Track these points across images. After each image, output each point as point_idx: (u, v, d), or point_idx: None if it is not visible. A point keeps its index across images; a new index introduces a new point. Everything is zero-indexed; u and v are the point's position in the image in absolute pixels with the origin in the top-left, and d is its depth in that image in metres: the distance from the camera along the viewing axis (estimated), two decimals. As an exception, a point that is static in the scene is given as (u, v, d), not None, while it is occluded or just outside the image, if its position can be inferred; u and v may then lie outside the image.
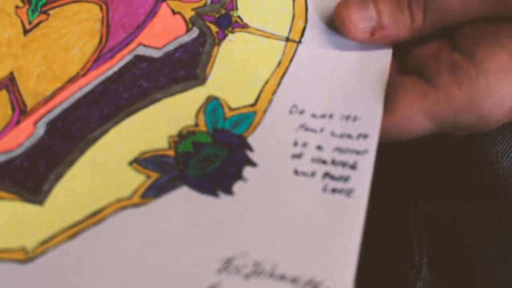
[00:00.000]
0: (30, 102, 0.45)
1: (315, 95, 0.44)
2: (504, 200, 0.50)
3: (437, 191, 0.54)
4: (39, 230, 0.42)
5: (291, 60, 0.46)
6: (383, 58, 0.45)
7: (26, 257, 0.41)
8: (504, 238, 0.50)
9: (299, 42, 0.46)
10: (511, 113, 0.43)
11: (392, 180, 0.53)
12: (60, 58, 0.46)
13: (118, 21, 0.47)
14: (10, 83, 0.46)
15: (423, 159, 0.53)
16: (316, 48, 0.46)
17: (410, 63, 0.46)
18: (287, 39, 0.46)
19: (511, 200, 0.50)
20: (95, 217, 0.41)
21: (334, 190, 0.40)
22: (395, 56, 0.46)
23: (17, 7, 0.48)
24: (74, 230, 0.41)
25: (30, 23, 0.47)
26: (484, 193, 0.51)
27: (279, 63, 0.46)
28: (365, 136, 0.42)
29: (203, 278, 0.39)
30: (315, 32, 0.46)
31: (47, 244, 0.41)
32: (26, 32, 0.47)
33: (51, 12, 0.47)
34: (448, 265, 0.53)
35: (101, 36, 0.47)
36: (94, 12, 0.47)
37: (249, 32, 0.47)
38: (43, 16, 0.47)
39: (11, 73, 0.46)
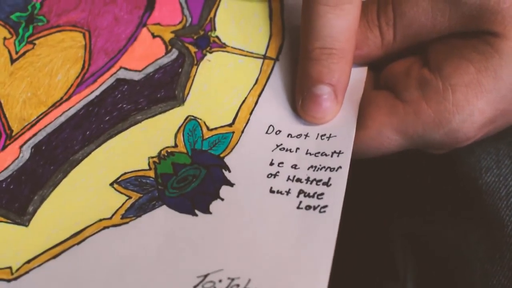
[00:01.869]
0: (16, 127, 0.47)
1: (291, 115, 0.46)
2: (487, 216, 0.50)
3: (421, 207, 0.55)
4: (24, 250, 0.43)
5: (268, 78, 0.48)
6: (358, 75, 0.47)
7: (12, 276, 0.43)
8: (488, 254, 0.51)
9: (276, 59, 0.48)
10: (482, 129, 0.44)
11: (376, 197, 0.54)
12: (44, 84, 0.48)
13: (100, 47, 0.49)
14: (-3, 109, 0.48)
15: (407, 175, 0.55)
16: (293, 65, 0.47)
17: (383, 79, 0.47)
18: (265, 57, 0.48)
19: (494, 216, 0.50)
20: (77, 237, 0.43)
21: (308, 207, 0.42)
22: (371, 72, 0.48)
23: (5, 38, 0.50)
24: (57, 250, 0.43)
25: (17, 52, 0.49)
26: (468, 209, 0.52)
27: (256, 81, 0.47)
28: (339, 153, 0.44)
29: None
30: (292, 49, 0.48)
31: (32, 263, 0.43)
32: (13, 61, 0.49)
33: (36, 41, 0.49)
34: (432, 282, 0.54)
35: (84, 61, 0.48)
36: (77, 39, 0.49)
37: (227, 51, 0.48)
38: (29, 46, 0.49)
39: (-1, 100, 0.48)
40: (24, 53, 0.49)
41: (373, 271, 0.56)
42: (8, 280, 0.43)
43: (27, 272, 0.43)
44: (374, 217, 0.54)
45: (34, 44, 0.49)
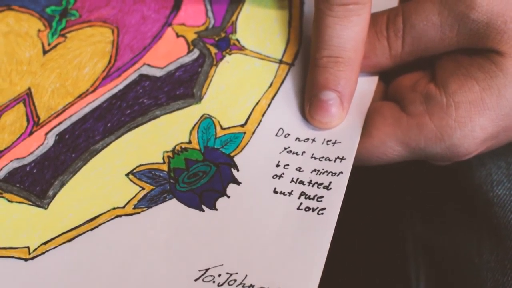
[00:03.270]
0: (43, 115, 0.51)
1: (300, 119, 0.49)
2: (499, 228, 0.52)
3: (434, 216, 0.57)
4: (42, 232, 0.47)
5: (282, 82, 0.50)
6: (368, 85, 0.49)
7: (29, 255, 0.46)
8: (498, 264, 0.52)
9: (292, 64, 0.51)
10: (483, 144, 0.46)
11: (391, 205, 0.57)
12: (73, 76, 0.51)
13: (127, 43, 0.52)
14: (27, 98, 0.51)
15: (421, 185, 0.57)
16: (307, 71, 0.50)
17: (391, 91, 0.49)
18: (281, 62, 0.51)
19: (505, 228, 0.52)
20: (92, 223, 0.47)
21: (307, 208, 0.45)
22: (382, 83, 0.50)
23: (39, 30, 0.53)
24: (73, 234, 0.47)
25: (49, 44, 0.53)
26: (480, 219, 0.54)
27: (271, 85, 0.50)
28: (342, 159, 0.46)
29: (181, 285, 0.44)
30: (307, 56, 0.50)
31: (48, 245, 0.46)
32: (45, 52, 0.53)
33: (68, 35, 0.53)
34: (443, 289, 0.56)
35: (111, 56, 0.52)
36: (106, 35, 0.52)
37: (245, 54, 0.51)
38: (61, 39, 0.53)
39: (29, 89, 0.52)
40: (55, 45, 0.53)
41: (385, 277, 0.58)
42: (25, 259, 0.46)
43: (43, 253, 0.46)
44: (389, 225, 0.56)
45: (66, 37, 0.53)
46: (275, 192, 0.46)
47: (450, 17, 0.46)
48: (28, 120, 0.51)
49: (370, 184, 0.50)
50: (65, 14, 0.53)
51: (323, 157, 0.47)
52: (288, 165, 0.47)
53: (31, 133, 0.50)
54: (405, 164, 0.48)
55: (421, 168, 0.52)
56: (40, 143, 0.50)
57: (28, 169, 0.49)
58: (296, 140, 0.48)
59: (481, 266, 0.53)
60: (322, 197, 0.45)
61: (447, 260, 0.56)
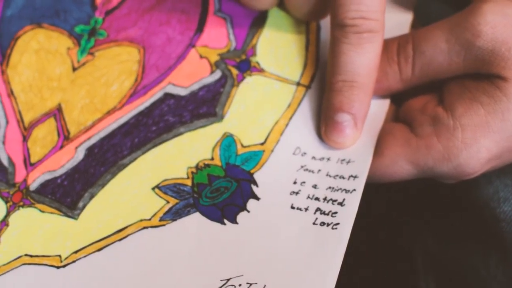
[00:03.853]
0: (73, 130, 0.54)
1: (316, 139, 0.52)
2: (505, 242, 0.55)
3: (442, 232, 0.60)
4: (73, 241, 0.51)
5: (299, 103, 0.54)
6: (380, 108, 0.53)
7: (61, 263, 0.50)
8: (505, 277, 0.56)
9: (309, 87, 0.54)
10: (488, 164, 0.50)
11: (400, 218, 0.60)
12: (101, 93, 0.55)
13: (153, 63, 0.56)
14: (57, 113, 0.55)
15: (430, 201, 0.60)
16: (323, 93, 0.53)
17: (402, 114, 0.53)
18: (298, 84, 0.54)
19: (511, 242, 0.55)
20: (120, 234, 0.50)
21: (322, 223, 0.48)
22: (393, 105, 0.54)
23: (68, 48, 0.57)
24: (102, 244, 0.50)
25: (78, 62, 0.56)
26: (487, 235, 0.56)
27: (289, 105, 0.54)
28: (355, 177, 0.50)
29: None
30: (324, 79, 0.54)
31: (79, 253, 0.50)
32: (74, 69, 0.56)
33: (96, 53, 0.56)
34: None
35: (137, 75, 0.55)
36: (133, 54, 0.56)
37: (265, 76, 0.55)
38: (90, 57, 0.56)
39: (59, 104, 0.55)
40: (84, 63, 0.56)
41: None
42: (57, 267, 0.50)
43: (74, 261, 0.50)
44: (398, 239, 0.59)
45: (94, 55, 0.56)
46: (292, 207, 0.50)
47: (457, 45, 0.50)
48: (58, 134, 0.54)
49: (380, 200, 0.53)
50: (94, 33, 0.57)
51: (337, 175, 0.50)
52: (304, 182, 0.50)
53: (61, 147, 0.54)
54: (415, 181, 0.52)
55: (430, 185, 0.55)
56: (70, 156, 0.54)
57: (59, 181, 0.53)
58: (312, 158, 0.51)
59: (488, 279, 0.56)
60: (336, 212, 0.49)
61: (455, 273, 0.59)
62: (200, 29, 0.56)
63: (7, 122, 0.55)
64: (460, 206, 0.58)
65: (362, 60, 0.50)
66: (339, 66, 0.51)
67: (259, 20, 0.56)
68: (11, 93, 0.56)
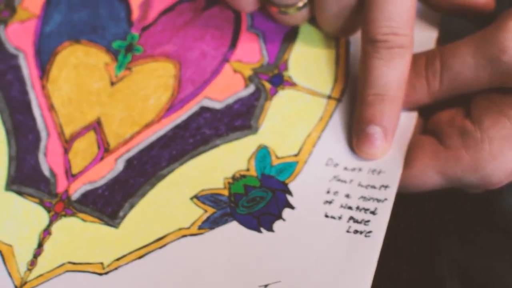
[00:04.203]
0: (112, 142, 0.57)
1: (348, 150, 0.55)
2: None
3: (469, 240, 0.62)
4: (114, 249, 0.53)
5: (331, 116, 0.56)
6: (409, 120, 0.55)
7: (103, 270, 0.53)
8: None
9: (339, 100, 0.57)
10: None
11: (426, 227, 0.62)
12: (139, 107, 0.58)
13: (188, 78, 0.58)
14: (97, 126, 0.58)
15: (456, 210, 0.62)
16: (353, 106, 0.56)
17: (430, 126, 0.55)
18: (329, 97, 0.57)
19: None
20: (160, 242, 0.53)
21: (356, 231, 0.51)
22: (421, 118, 0.56)
23: (106, 63, 0.60)
24: (143, 252, 0.53)
25: (116, 77, 0.59)
26: None
27: (321, 118, 0.56)
28: (386, 187, 0.53)
29: None
30: (353, 92, 0.56)
31: (120, 261, 0.53)
32: (112, 84, 0.59)
33: (134, 68, 0.59)
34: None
35: (173, 89, 0.58)
36: (169, 69, 0.59)
37: (297, 90, 0.57)
38: (127, 72, 0.59)
39: (99, 118, 0.58)
40: (122, 78, 0.59)
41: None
42: (100, 274, 0.52)
43: (116, 268, 0.52)
44: (425, 247, 0.62)
45: (132, 70, 0.59)
46: (326, 216, 0.52)
47: (483, 60, 0.52)
48: (98, 147, 0.57)
49: (408, 209, 0.56)
50: (130, 49, 0.60)
51: (369, 185, 0.53)
52: (337, 192, 0.53)
53: (102, 158, 0.57)
54: (442, 191, 0.54)
55: (457, 194, 0.57)
56: (110, 168, 0.56)
57: (100, 191, 0.55)
58: (344, 169, 0.54)
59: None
60: (368, 221, 0.51)
61: (481, 281, 0.61)
62: (233, 44, 0.59)
63: (48, 135, 0.58)
64: (485, 216, 0.61)
65: (392, 74, 0.53)
66: (370, 80, 0.53)
67: (290, 35, 0.58)
68: (51, 107, 0.58)
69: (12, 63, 0.60)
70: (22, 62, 0.61)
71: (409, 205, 0.54)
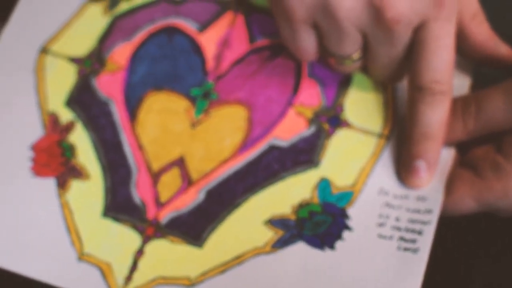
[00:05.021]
0: (194, 176, 0.68)
1: (397, 180, 0.65)
2: None
3: (499, 259, 0.69)
4: (200, 265, 0.64)
5: (381, 152, 0.67)
6: (448, 155, 0.65)
7: (190, 283, 0.63)
8: None
9: (388, 138, 0.67)
10: None
11: (461, 245, 0.71)
12: (216, 146, 0.68)
13: (258, 120, 0.69)
14: (181, 162, 0.68)
15: (487, 231, 0.70)
16: (400, 143, 0.66)
17: (467, 160, 0.65)
18: (379, 136, 0.68)
19: None
20: (239, 259, 0.64)
21: (405, 249, 0.61)
22: (458, 154, 0.66)
23: (186, 109, 0.70)
24: (224, 267, 0.63)
25: (195, 120, 0.70)
26: None
27: (373, 154, 0.67)
28: (429, 211, 0.63)
29: None
30: (401, 131, 0.66)
31: (205, 275, 0.63)
32: (192, 126, 0.70)
33: (211, 112, 0.69)
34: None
35: (246, 130, 0.69)
36: (241, 113, 0.69)
37: (352, 129, 0.68)
38: (205, 116, 0.70)
39: (182, 155, 0.69)
40: (201, 121, 0.70)
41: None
42: (187, 286, 0.63)
43: (202, 281, 0.63)
44: (457, 264, 0.70)
45: (209, 114, 0.70)
46: (379, 236, 0.63)
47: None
48: (182, 180, 0.68)
49: (448, 230, 0.66)
50: (207, 96, 0.71)
51: (415, 210, 0.63)
52: (388, 216, 0.63)
53: (185, 190, 0.67)
54: (476, 215, 0.64)
55: (489, 218, 0.67)
56: (193, 198, 0.67)
57: (185, 218, 0.66)
58: (394, 197, 0.64)
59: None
60: (415, 240, 0.61)
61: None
62: (296, 90, 0.70)
63: (138, 170, 0.69)
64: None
65: (435, 117, 0.63)
66: (416, 121, 0.63)
67: (345, 82, 0.69)
68: (140, 146, 0.69)
69: (104, 109, 0.72)
70: (113, 108, 0.72)
71: (448, 227, 0.64)
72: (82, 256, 0.65)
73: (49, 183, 0.68)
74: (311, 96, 0.69)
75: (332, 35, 0.62)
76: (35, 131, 0.71)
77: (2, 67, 0.73)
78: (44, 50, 0.74)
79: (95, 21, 0.74)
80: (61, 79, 0.72)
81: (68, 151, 0.70)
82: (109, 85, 0.72)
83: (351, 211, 0.64)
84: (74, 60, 0.73)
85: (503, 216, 0.64)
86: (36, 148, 0.70)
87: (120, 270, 0.65)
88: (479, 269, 0.70)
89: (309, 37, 0.64)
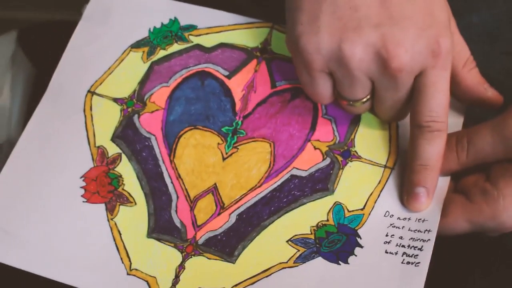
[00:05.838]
0: (226, 201, 0.79)
1: (400, 205, 0.77)
2: None
3: (489, 273, 0.79)
4: (233, 278, 0.74)
5: (387, 180, 0.78)
6: (444, 183, 0.75)
7: None
8: None
9: (393, 168, 0.79)
10: None
11: (455, 260, 0.81)
12: (245, 176, 0.79)
13: (280, 153, 0.79)
14: (214, 190, 0.79)
15: (477, 248, 0.80)
16: (403, 173, 0.78)
17: (460, 187, 0.75)
18: (385, 166, 0.79)
19: None
20: (266, 272, 0.75)
21: (408, 263, 0.73)
22: (452, 181, 0.76)
23: (218, 143, 0.81)
24: (254, 280, 0.74)
25: (226, 153, 0.80)
26: None
27: (379, 182, 0.78)
28: (429, 231, 0.74)
29: None
30: (404, 163, 0.78)
31: (238, 286, 0.75)
32: (224, 159, 0.81)
33: (239, 147, 0.80)
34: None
35: (270, 162, 0.80)
36: (265, 147, 0.80)
37: (361, 161, 0.79)
38: (234, 150, 0.79)
39: (215, 184, 0.80)
40: (231, 154, 0.81)
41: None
42: (223, 296, 0.75)
43: (234, 292, 0.75)
44: (454, 276, 0.79)
45: (238, 148, 0.81)
46: (386, 252, 0.74)
47: (499, 138, 0.71)
48: (216, 205, 0.79)
49: (443, 247, 0.77)
50: (236, 132, 0.82)
51: (416, 230, 0.74)
52: (393, 234, 0.75)
53: (219, 214, 0.79)
54: (468, 234, 0.74)
55: (479, 238, 0.78)
56: (225, 220, 0.78)
57: (219, 237, 0.78)
58: (398, 218, 0.75)
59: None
60: (417, 255, 0.73)
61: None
62: (313, 128, 0.81)
63: (177, 197, 0.80)
64: (500, 253, 0.79)
65: (433, 150, 0.73)
66: (417, 154, 0.73)
67: (355, 120, 0.79)
68: (178, 176, 0.81)
69: (146, 144, 0.83)
70: (154, 143, 0.83)
71: (444, 245, 0.76)
72: (130, 271, 0.76)
73: (99, 208, 0.79)
74: (326, 133, 0.80)
75: (345, 81, 0.71)
76: (86, 163, 0.82)
77: (55, 107, 0.84)
78: (91, 92, 0.85)
79: (136, 66, 0.85)
80: (107, 117, 0.83)
81: (115, 180, 0.81)
82: (150, 123, 0.81)
83: (362, 231, 0.75)
84: (118, 100, 0.84)
85: (492, 235, 0.75)
86: (86, 178, 0.81)
87: (164, 283, 0.75)
88: (472, 282, 0.81)
89: (325, 83, 0.73)
